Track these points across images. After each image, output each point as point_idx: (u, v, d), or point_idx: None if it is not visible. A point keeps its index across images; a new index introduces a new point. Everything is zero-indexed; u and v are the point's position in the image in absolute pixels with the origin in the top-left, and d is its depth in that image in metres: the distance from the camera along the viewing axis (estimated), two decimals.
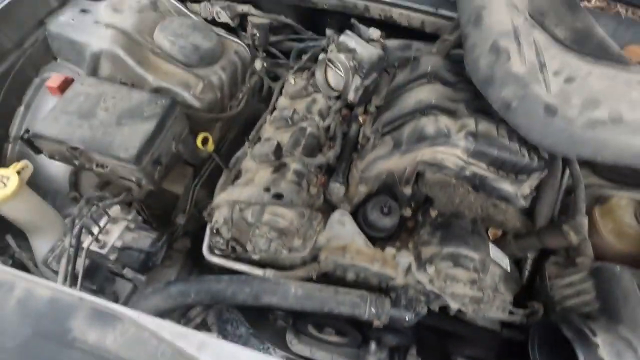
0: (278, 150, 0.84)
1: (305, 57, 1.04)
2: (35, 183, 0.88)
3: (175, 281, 0.80)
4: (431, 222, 0.79)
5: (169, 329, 0.57)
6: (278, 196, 0.76)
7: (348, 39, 0.89)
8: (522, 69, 0.67)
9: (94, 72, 0.96)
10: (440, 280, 0.74)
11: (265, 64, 1.11)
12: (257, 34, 1.14)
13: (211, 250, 0.90)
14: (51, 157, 0.85)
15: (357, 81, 0.89)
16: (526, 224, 0.82)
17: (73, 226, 0.77)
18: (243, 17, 1.16)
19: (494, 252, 0.76)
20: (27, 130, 0.81)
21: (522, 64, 0.67)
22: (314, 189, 0.84)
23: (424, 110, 0.79)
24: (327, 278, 0.81)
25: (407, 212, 0.85)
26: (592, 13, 1.22)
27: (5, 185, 0.71)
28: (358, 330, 0.94)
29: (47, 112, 0.81)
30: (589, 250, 0.75)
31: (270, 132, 0.94)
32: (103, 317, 0.58)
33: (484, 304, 0.75)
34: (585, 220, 0.77)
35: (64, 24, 0.97)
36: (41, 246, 0.81)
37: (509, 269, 0.76)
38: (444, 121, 0.75)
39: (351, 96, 0.92)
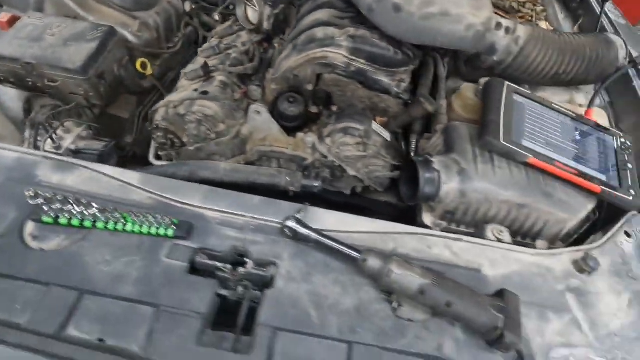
0: (205, 66, 1.04)
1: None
2: None
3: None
4: (331, 112, 1.02)
5: (114, 170, 0.76)
6: (204, 92, 0.95)
7: None
8: None
9: None
10: (335, 148, 0.97)
11: (193, 6, 1.29)
12: None
13: (157, 157, 1.08)
14: (5, 80, 0.98)
15: (267, 10, 1.10)
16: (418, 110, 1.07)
17: (32, 130, 0.92)
18: None
19: (377, 127, 1.00)
20: None
21: None
22: (238, 95, 1.04)
23: (318, 24, 1.02)
24: None
25: (314, 109, 1.07)
26: None
27: None
28: None
29: None
30: (444, 120, 1.01)
31: (200, 61, 1.13)
32: (64, 166, 0.75)
33: (371, 165, 0.99)
34: (443, 101, 1.04)
35: None
36: None
37: (388, 139, 1.01)
38: (331, 30, 0.99)
39: (266, 25, 1.13)
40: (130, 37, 1.14)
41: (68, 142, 0.96)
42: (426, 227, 0.87)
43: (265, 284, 0.67)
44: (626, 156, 0.89)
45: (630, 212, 0.85)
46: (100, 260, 0.64)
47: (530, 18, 1.30)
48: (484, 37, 0.92)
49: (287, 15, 1.17)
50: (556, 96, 1.08)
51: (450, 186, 0.81)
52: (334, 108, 1.06)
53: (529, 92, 0.93)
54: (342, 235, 0.73)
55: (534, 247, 0.85)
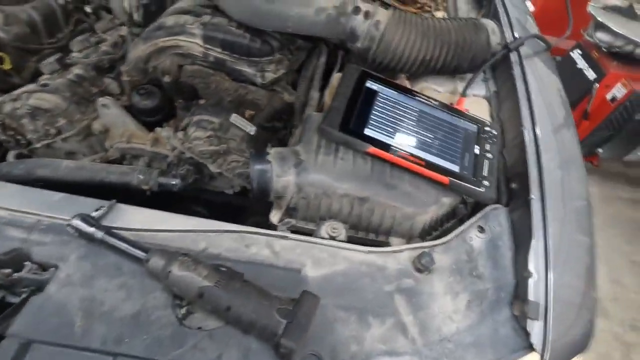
0: (61, 59, 0.98)
1: None
2: None
3: None
4: (186, 105, 0.96)
5: None
6: (44, 85, 0.89)
7: None
8: None
9: None
10: (188, 142, 0.90)
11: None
12: None
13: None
14: None
15: (133, 1, 1.05)
16: (277, 100, 1.01)
17: None
18: None
19: (237, 120, 0.94)
20: None
21: None
22: (95, 90, 0.98)
23: (174, 13, 0.96)
24: None
25: (180, 103, 1.01)
26: None
27: None
28: None
29: None
30: (310, 111, 0.95)
31: (73, 55, 1.07)
32: None
33: (232, 161, 0.93)
34: (315, 92, 0.98)
35: None
36: None
37: (252, 132, 0.95)
38: (184, 17, 0.93)
39: (136, 16, 1.08)
40: None
41: None
42: (273, 225, 0.80)
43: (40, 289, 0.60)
44: (488, 145, 0.83)
45: (489, 206, 0.78)
46: None
47: (428, 8, 1.25)
48: (339, 22, 0.86)
49: (162, 7, 1.12)
50: (441, 87, 1.02)
51: (286, 179, 0.75)
52: (201, 102, 1.00)
53: (386, 78, 0.87)
54: (149, 234, 0.66)
55: (387, 244, 0.79)
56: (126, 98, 0.98)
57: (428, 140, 0.79)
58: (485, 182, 0.77)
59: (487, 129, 0.85)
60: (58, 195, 0.69)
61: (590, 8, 2.39)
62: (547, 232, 0.70)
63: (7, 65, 1.04)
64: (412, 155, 0.76)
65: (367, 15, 0.88)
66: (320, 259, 0.68)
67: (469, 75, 0.99)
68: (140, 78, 0.96)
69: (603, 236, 2.42)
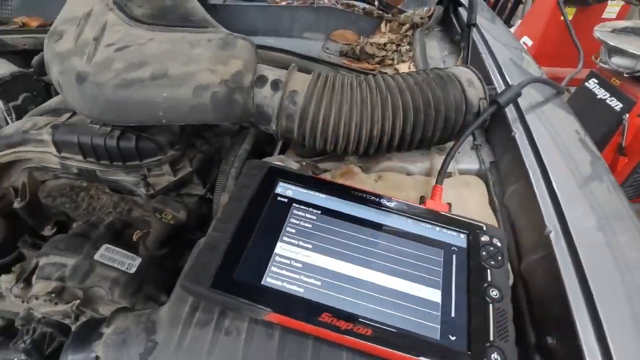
0: None
1: None
2: None
3: None
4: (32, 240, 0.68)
5: None
6: None
7: None
8: (67, 46, 0.62)
9: None
10: (26, 302, 0.60)
11: None
12: None
13: None
14: None
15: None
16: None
17: None
18: None
19: (109, 253, 0.64)
20: None
21: (71, 42, 0.62)
22: None
23: (35, 114, 0.72)
24: None
25: (47, 230, 0.73)
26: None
27: None
28: None
29: None
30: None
31: None
32: None
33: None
34: (224, 198, 0.68)
35: None
36: None
37: (132, 270, 0.64)
38: (35, 119, 0.68)
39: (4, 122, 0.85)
40: None
41: None
42: None
43: None
44: (489, 273, 0.47)
45: None
46: None
47: (390, 61, 0.98)
48: (232, 101, 0.58)
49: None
50: (413, 164, 0.70)
51: None
52: (47, 231, 0.71)
53: (310, 175, 0.56)
54: None
55: None
56: None
57: (382, 282, 0.45)
58: (495, 356, 0.40)
59: (484, 238, 0.51)
60: None
61: (598, 33, 2.11)
62: None
63: None
64: (350, 319, 0.41)
65: (275, 85, 0.60)
66: None
67: (450, 144, 0.67)
68: None
69: None
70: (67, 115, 0.67)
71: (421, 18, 1.18)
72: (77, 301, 0.58)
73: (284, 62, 0.98)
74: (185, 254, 0.72)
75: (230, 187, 0.70)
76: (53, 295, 0.57)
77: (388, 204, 0.53)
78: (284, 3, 1.32)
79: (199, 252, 0.45)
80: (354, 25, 1.23)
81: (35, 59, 1.02)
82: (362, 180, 0.63)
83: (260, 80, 0.61)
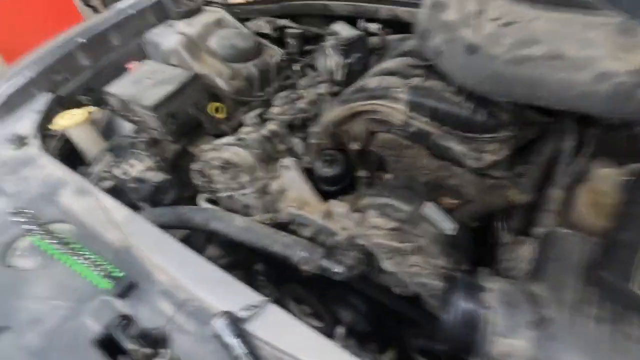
0: (262, 113, 0.99)
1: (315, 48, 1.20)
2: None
3: (163, 207, 0.98)
4: (372, 180, 0.79)
5: (112, 204, 0.74)
6: (240, 139, 0.88)
7: (336, 25, 1.01)
8: (454, 17, 0.67)
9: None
10: (364, 228, 0.72)
11: (284, 58, 1.31)
12: (290, 42, 1.36)
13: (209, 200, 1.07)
14: (118, 113, 1.18)
15: (340, 60, 0.98)
16: (497, 195, 0.72)
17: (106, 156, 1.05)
18: (282, 29, 1.41)
19: (433, 212, 0.70)
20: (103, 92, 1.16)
21: (457, 13, 0.67)
22: (282, 147, 0.94)
23: (380, 73, 0.83)
24: None
25: (362, 173, 0.85)
26: None
27: (74, 117, 1.05)
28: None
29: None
30: (549, 222, 0.63)
31: (273, 110, 1.10)
32: (81, 192, 0.78)
33: (414, 264, 0.69)
34: (557, 191, 0.66)
35: (154, 33, 1.37)
36: None
37: (450, 232, 0.69)
38: (390, 79, 0.78)
39: (338, 75, 1.01)
40: (220, 84, 1.22)
41: (136, 170, 1.05)
42: None
43: None
44: None
45: None
46: (36, 295, 0.60)
47: None
48: (634, 95, 0.53)
49: (367, 66, 1.02)
50: None
51: (513, 343, 0.45)
52: (387, 176, 0.81)
53: None
54: None
55: None
56: (309, 160, 0.90)
57: None
58: None
59: None
60: (219, 273, 0.60)
61: None
62: None
63: (221, 115, 1.13)
64: None
65: None
66: None
67: None
68: (326, 141, 0.86)
69: None
70: (418, 78, 0.75)
71: None
72: (410, 244, 0.66)
73: None
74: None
75: (559, 182, 0.67)
76: (392, 231, 0.67)
77: None
78: None
79: (616, 244, 0.44)
80: None
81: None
82: None
83: None
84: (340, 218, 0.78)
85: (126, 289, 0.59)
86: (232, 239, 0.82)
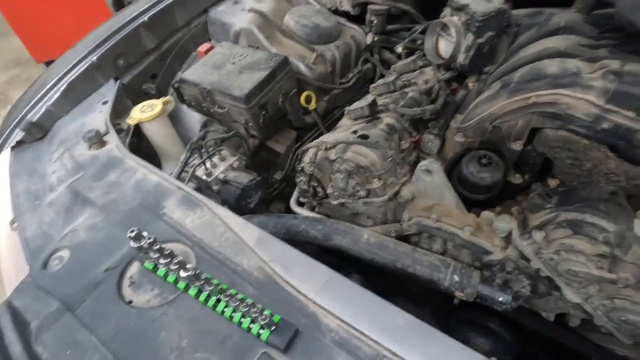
0: (373, 104, 0.83)
1: (417, 29, 1.03)
2: (178, 131, 1.09)
3: (259, 214, 0.84)
4: (548, 189, 0.64)
5: (235, 221, 0.61)
6: (364, 137, 0.74)
7: None
8: None
9: None
10: (551, 250, 0.57)
11: (375, 38, 1.14)
12: (375, 21, 1.19)
13: (298, 203, 0.93)
14: (189, 103, 1.03)
15: (469, 39, 0.82)
16: None
17: (189, 153, 0.91)
18: (364, 5, 1.23)
19: None
20: (177, 80, 1.02)
21: None
22: (406, 144, 0.79)
23: (548, 55, 0.67)
24: None
25: (517, 178, 0.70)
26: None
27: (152, 109, 0.90)
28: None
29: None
30: None
31: (370, 98, 0.94)
32: (189, 202, 0.65)
33: (618, 297, 0.55)
34: None
35: (220, 11, 1.21)
36: (167, 170, 0.98)
37: None
38: (574, 62, 0.62)
39: (461, 58, 0.85)
40: (303, 69, 1.06)
41: (219, 170, 0.91)
42: None
43: None
44: None
45: None
46: (173, 344, 0.47)
47: None
48: None
49: (495, 47, 0.86)
50: None
51: None
52: (553, 183, 0.66)
53: None
54: None
55: None
56: (443, 161, 0.76)
57: None
58: None
59: None
60: (403, 318, 0.47)
61: None
62: None
63: (312, 105, 0.99)
64: None
65: None
66: None
67: None
68: (475, 140, 0.71)
69: None
70: (615, 62, 0.59)
71: None
72: (623, 276, 0.52)
73: None
74: None
75: None
76: (599, 257, 0.53)
77: None
78: None
79: None
80: None
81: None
82: None
83: None
84: (504, 236, 0.63)
85: (289, 339, 0.46)
86: (358, 257, 0.69)
